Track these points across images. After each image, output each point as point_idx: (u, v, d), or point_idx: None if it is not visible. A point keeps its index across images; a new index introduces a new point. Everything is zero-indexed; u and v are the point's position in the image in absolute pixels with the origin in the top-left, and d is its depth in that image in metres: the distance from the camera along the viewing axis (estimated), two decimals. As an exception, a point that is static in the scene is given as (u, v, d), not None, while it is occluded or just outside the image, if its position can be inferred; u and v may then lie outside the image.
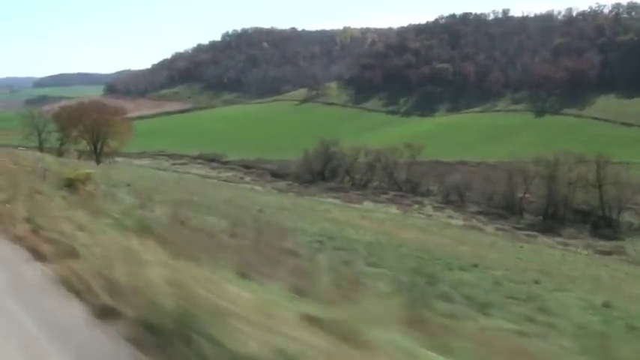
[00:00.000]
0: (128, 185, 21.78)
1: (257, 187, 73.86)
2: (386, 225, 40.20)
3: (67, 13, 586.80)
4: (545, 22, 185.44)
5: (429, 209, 70.45)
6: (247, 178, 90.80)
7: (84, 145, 66.56)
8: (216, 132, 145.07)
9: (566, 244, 52.75)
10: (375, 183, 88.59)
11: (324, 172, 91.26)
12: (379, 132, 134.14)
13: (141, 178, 39.29)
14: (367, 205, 66.78)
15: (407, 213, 62.86)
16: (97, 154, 62.63)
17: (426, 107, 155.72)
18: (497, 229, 59.60)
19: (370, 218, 45.57)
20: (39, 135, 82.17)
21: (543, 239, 55.92)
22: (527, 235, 57.29)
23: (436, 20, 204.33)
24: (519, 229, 61.82)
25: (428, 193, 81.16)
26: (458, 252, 22.56)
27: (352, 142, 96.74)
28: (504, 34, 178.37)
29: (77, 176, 12.12)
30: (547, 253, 41.81)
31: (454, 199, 77.91)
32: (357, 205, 64.15)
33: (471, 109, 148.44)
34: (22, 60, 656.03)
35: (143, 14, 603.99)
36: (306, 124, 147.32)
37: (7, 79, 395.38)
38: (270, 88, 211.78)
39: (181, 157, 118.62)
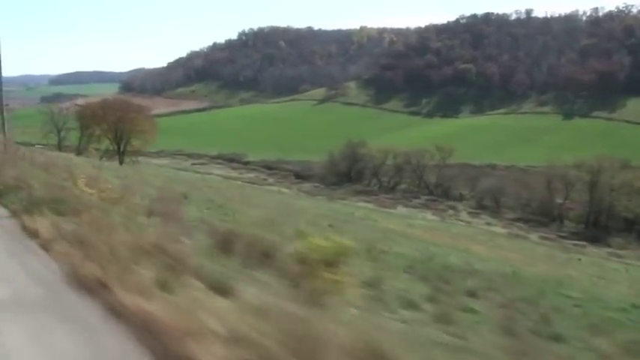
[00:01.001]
0: (185, 197, 18.90)
1: (284, 190, 70.95)
2: (439, 235, 37.14)
3: (82, 10, 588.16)
4: (570, 22, 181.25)
5: (464, 215, 67.29)
6: (271, 180, 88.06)
7: (103, 143, 64.29)
8: (234, 131, 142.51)
9: (619, 256, 49.31)
10: (404, 186, 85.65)
11: (350, 174, 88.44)
12: (401, 133, 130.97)
13: (175, 182, 36.51)
14: (401, 210, 63.67)
15: (445, 220, 59.68)
16: (120, 153, 60.06)
17: (448, 108, 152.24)
18: (542, 237, 56.25)
19: (416, 227, 42.55)
20: (58, 133, 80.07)
21: (592, 249, 52.54)
22: (575, 244, 53.90)
23: (457, 20, 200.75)
24: (564, 237, 58.44)
25: (460, 198, 77.92)
26: (562, 277, 19.46)
27: (374, 142, 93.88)
28: (528, 35, 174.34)
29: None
30: (610, 267, 38.51)
31: (488, 204, 74.70)
32: (392, 211, 61.16)
33: (495, 111, 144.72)
34: (37, 57, 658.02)
35: (158, 13, 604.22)
36: (326, 125, 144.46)
37: (23, 76, 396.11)
38: (286, 88, 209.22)
39: (200, 156, 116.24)
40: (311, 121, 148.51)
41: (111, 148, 64.97)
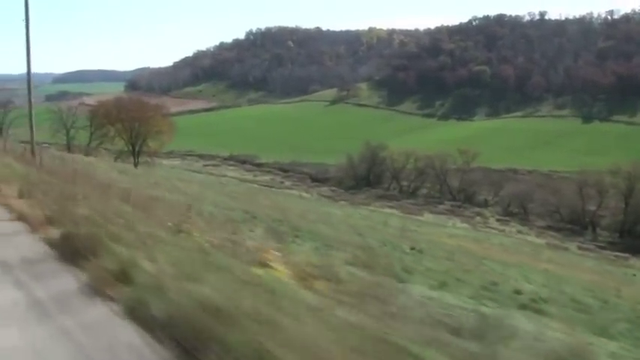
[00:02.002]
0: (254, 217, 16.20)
1: (304, 195, 68.16)
2: (490, 248, 34.31)
3: (87, 9, 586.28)
4: (584, 24, 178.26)
5: (492, 222, 64.42)
6: (287, 183, 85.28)
7: (118, 144, 61.48)
8: (244, 132, 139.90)
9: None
10: (424, 190, 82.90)
11: (368, 178, 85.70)
12: (416, 135, 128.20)
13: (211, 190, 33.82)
14: (428, 217, 60.85)
15: (476, 228, 56.86)
16: (136, 155, 57.33)
17: (463, 110, 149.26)
18: (580, 248, 53.34)
19: (458, 237, 39.74)
20: (67, 132, 77.44)
21: (636, 261, 49.58)
22: (616, 256, 50.94)
23: (469, 21, 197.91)
24: (602, 247, 55.50)
25: (485, 204, 75.03)
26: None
27: (391, 145, 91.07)
28: (543, 37, 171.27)
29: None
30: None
31: (515, 210, 71.84)
32: (419, 218, 58.32)
33: (512, 114, 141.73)
34: (41, 56, 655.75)
35: (163, 12, 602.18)
36: (338, 126, 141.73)
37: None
38: (295, 88, 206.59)
39: (212, 157, 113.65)
40: (323, 123, 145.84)
41: (125, 149, 62.40)
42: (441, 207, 69.97)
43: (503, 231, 57.24)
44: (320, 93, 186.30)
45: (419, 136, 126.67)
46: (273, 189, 73.88)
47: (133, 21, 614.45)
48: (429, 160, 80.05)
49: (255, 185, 76.42)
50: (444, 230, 44.46)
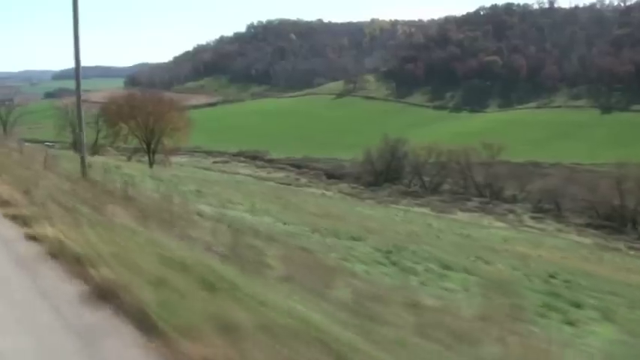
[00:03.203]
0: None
1: (326, 193, 64.58)
2: (555, 254, 30.77)
3: (83, 5, 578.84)
4: (595, 12, 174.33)
5: (526, 220, 60.92)
6: (303, 180, 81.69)
7: (125, 142, 57.84)
8: (251, 127, 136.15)
9: None
10: (446, 186, 79.37)
11: (387, 173, 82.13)
12: (429, 128, 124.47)
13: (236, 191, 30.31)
14: (461, 215, 57.35)
15: (515, 227, 53.38)
16: (151, 154, 53.68)
17: (474, 102, 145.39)
18: (630, 247, 49.84)
19: (512, 241, 36.25)
20: (73, 131, 73.80)
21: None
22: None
23: (477, 11, 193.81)
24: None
25: (514, 200, 71.48)
26: None
27: (407, 139, 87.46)
28: (554, 25, 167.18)
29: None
30: None
31: (546, 206, 68.30)
32: (453, 217, 54.83)
33: (525, 105, 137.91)
34: (39, 53, 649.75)
35: (161, 7, 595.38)
36: (348, 119, 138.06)
37: (26, 72, 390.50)
38: (299, 81, 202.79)
39: (220, 154, 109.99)
40: (331, 116, 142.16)
41: (134, 147, 58.83)
42: (470, 204, 66.37)
43: (544, 230, 53.71)
44: (325, 86, 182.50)
45: (432, 129, 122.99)
46: (291, 187, 70.41)
47: (130, 17, 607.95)
48: (453, 155, 76.54)
49: (272, 183, 72.94)
50: (488, 231, 40.97)
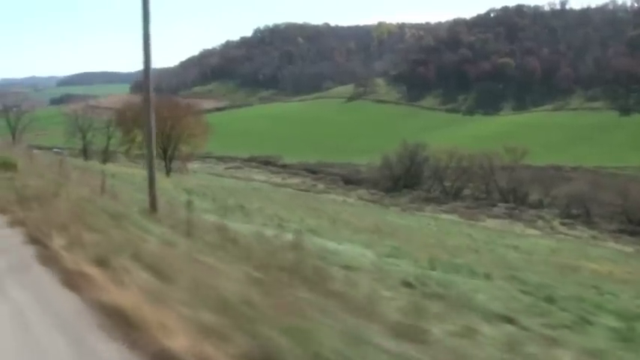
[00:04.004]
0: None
1: (348, 199, 62.32)
2: (605, 267, 28.33)
3: (88, 11, 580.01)
4: (609, 12, 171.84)
5: (557, 226, 58.50)
6: (320, 186, 79.46)
7: (140, 148, 55.46)
8: (261, 131, 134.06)
9: None
10: (467, 191, 77.08)
11: (406, 179, 79.90)
12: (442, 131, 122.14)
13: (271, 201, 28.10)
14: (490, 223, 54.98)
15: (549, 234, 50.97)
16: (168, 161, 51.52)
17: (488, 105, 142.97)
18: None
19: (558, 252, 33.91)
20: (83, 137, 71.97)
21: None
22: None
23: (487, 13, 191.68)
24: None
25: (541, 205, 69.07)
26: None
27: (427, 143, 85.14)
28: (567, 27, 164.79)
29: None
30: None
31: (573, 212, 65.88)
32: (482, 224, 52.51)
33: (540, 107, 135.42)
34: (44, 59, 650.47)
35: (165, 12, 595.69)
36: (360, 124, 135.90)
37: (31, 78, 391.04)
38: (308, 85, 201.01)
39: (232, 159, 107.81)
40: (342, 120, 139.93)
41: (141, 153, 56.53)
42: (496, 210, 64.02)
43: (579, 237, 51.29)
44: (335, 90, 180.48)
45: (446, 132, 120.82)
46: (311, 193, 68.27)
47: (135, 22, 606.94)
48: (475, 159, 74.30)
49: (289, 190, 70.81)
50: (534, 242, 38.62)
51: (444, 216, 55.55)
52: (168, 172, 50.24)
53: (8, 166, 13.76)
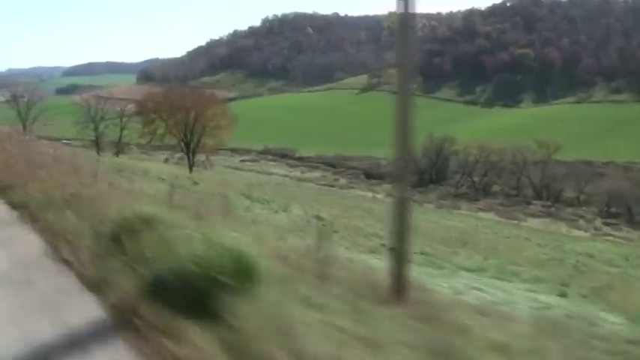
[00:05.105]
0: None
1: (377, 196, 59.05)
2: None
3: (94, 2, 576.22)
4: (633, 2, 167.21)
5: (600, 226, 55.19)
6: (342, 180, 76.27)
7: (162, 141, 52.29)
8: (274, 122, 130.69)
9: None
10: (496, 187, 73.90)
11: (431, 174, 76.82)
12: (461, 124, 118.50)
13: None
14: (532, 222, 51.71)
15: (597, 236, 47.68)
16: (191, 155, 48.40)
17: (507, 97, 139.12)
18: None
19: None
20: (96, 128, 68.89)
21: None
22: None
23: (503, 3, 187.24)
24: None
25: (578, 202, 65.77)
26: None
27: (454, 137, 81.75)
28: (587, 17, 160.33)
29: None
30: None
31: (614, 210, 62.66)
32: (525, 224, 49.25)
33: (562, 100, 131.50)
34: (50, 49, 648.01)
35: (171, 2, 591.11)
36: (375, 115, 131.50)
37: (36, 68, 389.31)
38: (318, 76, 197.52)
39: (246, 152, 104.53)
40: (357, 111, 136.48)
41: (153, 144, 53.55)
42: (533, 208, 60.74)
43: (631, 240, 47.95)
44: (347, 80, 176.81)
45: (464, 125, 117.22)
46: (335, 189, 65.11)
47: (140, 12, 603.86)
48: (505, 153, 71.03)
49: (312, 184, 67.69)
50: (596, 247, 35.37)
51: (482, 214, 52.31)
52: (191, 167, 47.16)
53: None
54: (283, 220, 14.22)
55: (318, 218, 16.70)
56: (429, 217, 36.25)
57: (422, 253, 12.59)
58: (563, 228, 50.20)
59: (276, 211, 16.36)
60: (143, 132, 49.76)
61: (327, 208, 22.44)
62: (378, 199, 54.52)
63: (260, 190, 23.45)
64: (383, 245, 11.56)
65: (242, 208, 14.77)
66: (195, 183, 19.15)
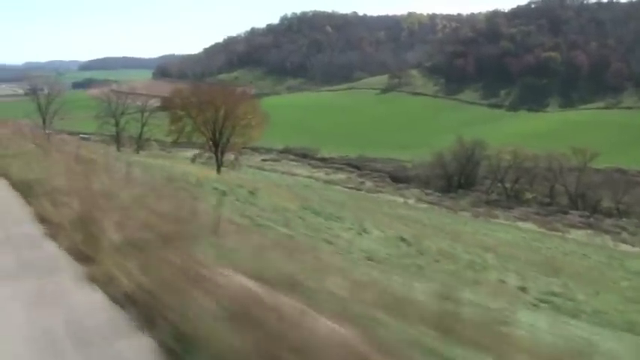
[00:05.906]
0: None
1: (408, 201, 56.70)
2: None
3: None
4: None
5: (644, 239, 52.37)
6: (369, 184, 73.86)
7: (190, 139, 50.19)
8: (293, 121, 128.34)
9: None
10: (528, 194, 71.11)
11: (460, 179, 74.22)
12: (486, 127, 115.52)
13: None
14: (576, 234, 49.07)
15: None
16: (220, 154, 46.24)
17: (532, 100, 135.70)
18: None
19: None
20: (117, 123, 67.28)
21: None
22: None
23: (528, 4, 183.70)
24: None
25: (618, 213, 62.86)
26: None
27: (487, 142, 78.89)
28: (615, 20, 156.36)
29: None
30: None
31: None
32: (570, 236, 46.65)
33: (590, 105, 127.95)
34: (66, 43, 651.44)
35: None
36: (397, 116, 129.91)
37: (53, 62, 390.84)
38: (337, 75, 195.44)
39: (267, 151, 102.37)
40: (378, 112, 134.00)
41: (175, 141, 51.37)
42: (571, 218, 57.99)
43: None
44: (367, 80, 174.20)
45: (489, 128, 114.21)
46: (363, 192, 62.78)
47: (156, 8, 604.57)
48: (539, 160, 68.34)
49: (339, 187, 65.45)
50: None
51: (521, 224, 49.75)
52: (219, 167, 45.03)
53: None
54: (374, 247, 12.01)
55: (402, 239, 14.44)
56: (478, 229, 33.85)
57: (553, 294, 10.24)
58: (608, 241, 47.51)
59: (359, 233, 14.11)
60: (170, 130, 47.67)
61: (392, 222, 20.18)
62: (419, 207, 52.20)
63: (311, 200, 21.20)
64: (522, 289, 9.22)
65: (323, 230, 12.54)
66: (252, 193, 16.92)
